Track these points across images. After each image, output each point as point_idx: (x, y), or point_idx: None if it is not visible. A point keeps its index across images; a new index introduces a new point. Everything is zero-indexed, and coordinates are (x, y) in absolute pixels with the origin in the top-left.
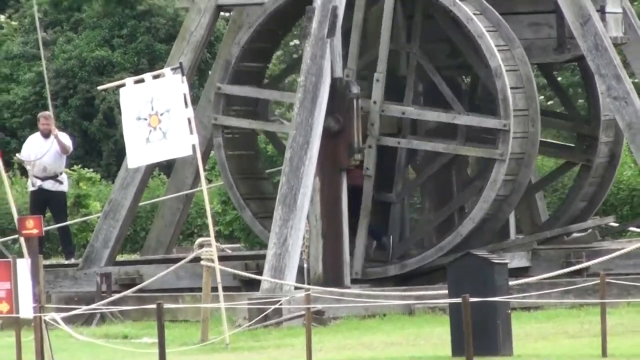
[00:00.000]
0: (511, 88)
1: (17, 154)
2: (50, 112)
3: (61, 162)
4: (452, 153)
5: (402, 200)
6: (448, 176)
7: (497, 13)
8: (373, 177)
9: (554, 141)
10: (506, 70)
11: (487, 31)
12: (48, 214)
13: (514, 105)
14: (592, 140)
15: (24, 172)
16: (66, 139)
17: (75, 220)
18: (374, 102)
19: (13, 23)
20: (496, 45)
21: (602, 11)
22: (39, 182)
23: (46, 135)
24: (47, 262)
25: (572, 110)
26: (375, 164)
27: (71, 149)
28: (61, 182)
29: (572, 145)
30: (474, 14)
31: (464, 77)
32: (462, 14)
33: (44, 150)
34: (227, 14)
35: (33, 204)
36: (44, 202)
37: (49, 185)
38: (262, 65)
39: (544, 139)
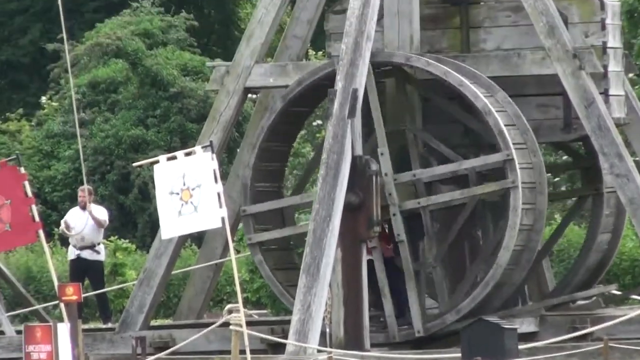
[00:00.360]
0: (504, 125)
1: (61, 226)
2: (88, 186)
3: (98, 233)
4: (469, 209)
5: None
6: (461, 247)
7: (470, 68)
8: (406, 241)
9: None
10: (495, 110)
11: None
12: (87, 281)
13: (512, 139)
14: (596, 172)
15: (64, 242)
16: (101, 213)
17: (112, 288)
18: (386, 174)
19: (54, 104)
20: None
21: (605, 94)
22: (77, 252)
23: (84, 207)
24: (86, 326)
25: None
26: (405, 229)
27: (107, 222)
28: (98, 252)
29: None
30: (450, 69)
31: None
32: (437, 70)
33: (82, 222)
34: (254, 96)
35: (72, 272)
36: (83, 270)
37: (87, 254)
38: (276, 185)
39: (551, 191)
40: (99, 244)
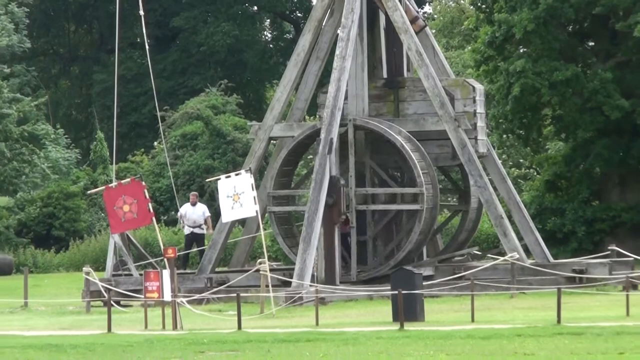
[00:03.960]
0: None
1: (180, 219)
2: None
3: (202, 219)
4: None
5: (372, 238)
6: (391, 227)
7: (404, 130)
8: (356, 227)
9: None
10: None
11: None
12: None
13: (421, 169)
14: (467, 197)
15: (168, 223)
16: (205, 209)
17: (195, 249)
18: (351, 188)
19: (161, 146)
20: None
21: (475, 139)
22: (191, 229)
23: (194, 204)
24: (178, 271)
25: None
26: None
27: (208, 214)
28: (202, 229)
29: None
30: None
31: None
32: (380, 128)
33: (195, 213)
34: (274, 141)
35: (188, 241)
36: (193, 239)
37: (197, 230)
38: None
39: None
40: (201, 225)
